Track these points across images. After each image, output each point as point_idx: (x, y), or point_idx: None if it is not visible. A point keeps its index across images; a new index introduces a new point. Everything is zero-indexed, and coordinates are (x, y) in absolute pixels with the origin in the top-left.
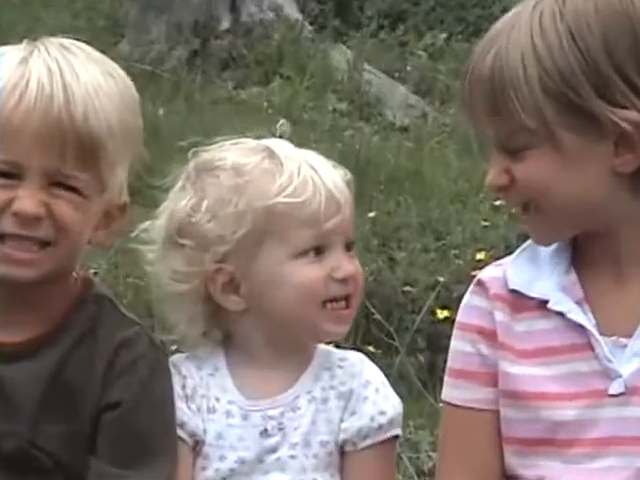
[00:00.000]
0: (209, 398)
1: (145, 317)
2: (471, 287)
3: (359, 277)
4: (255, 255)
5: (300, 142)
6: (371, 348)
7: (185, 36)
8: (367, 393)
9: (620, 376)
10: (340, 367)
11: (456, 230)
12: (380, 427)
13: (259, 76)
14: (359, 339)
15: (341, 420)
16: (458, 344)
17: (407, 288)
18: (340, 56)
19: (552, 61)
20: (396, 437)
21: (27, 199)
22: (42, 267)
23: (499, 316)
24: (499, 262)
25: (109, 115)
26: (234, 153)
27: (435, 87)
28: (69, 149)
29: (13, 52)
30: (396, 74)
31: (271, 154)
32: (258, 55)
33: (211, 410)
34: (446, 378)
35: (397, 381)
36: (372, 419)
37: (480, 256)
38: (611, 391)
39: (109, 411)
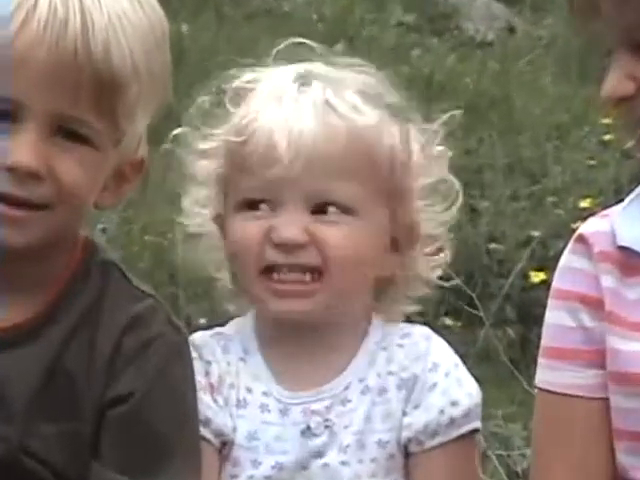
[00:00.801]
0: (239, 388)
1: (167, 285)
2: (570, 244)
3: (324, 245)
4: (225, 202)
5: None
6: (448, 320)
7: None
8: (435, 379)
9: None
10: (400, 346)
11: (554, 171)
12: (452, 421)
13: None
14: (432, 309)
15: (403, 414)
16: (554, 316)
17: (493, 245)
18: None
19: None
20: (474, 431)
21: (25, 149)
22: (34, 231)
23: (606, 281)
24: (605, 212)
25: (135, 50)
26: (267, 76)
27: None
28: (84, 88)
29: None
30: None
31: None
32: None
33: (242, 404)
34: (540, 358)
35: (481, 361)
36: (442, 412)
37: (584, 204)
38: None
39: (116, 405)
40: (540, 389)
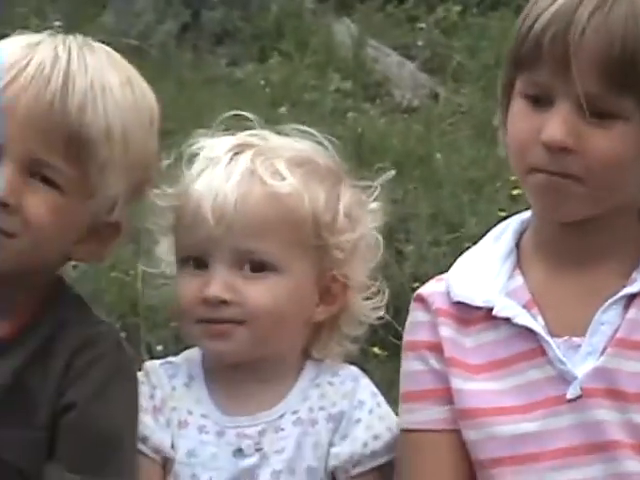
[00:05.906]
0: (180, 411)
1: (129, 315)
2: (412, 304)
3: (245, 302)
4: None
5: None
6: (377, 349)
7: (175, 7)
8: (360, 415)
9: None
10: (331, 384)
11: (470, 221)
12: (373, 454)
13: (256, 52)
14: (363, 339)
15: (330, 445)
16: (408, 365)
17: (417, 284)
18: (344, 31)
19: None
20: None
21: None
22: (6, 256)
23: (444, 331)
24: (441, 277)
25: (111, 118)
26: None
27: (447, 65)
28: (56, 138)
29: (30, 36)
30: (405, 51)
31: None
32: (255, 29)
33: (182, 424)
34: (400, 405)
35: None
36: (365, 444)
37: None
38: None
39: (65, 414)
40: (402, 431)
